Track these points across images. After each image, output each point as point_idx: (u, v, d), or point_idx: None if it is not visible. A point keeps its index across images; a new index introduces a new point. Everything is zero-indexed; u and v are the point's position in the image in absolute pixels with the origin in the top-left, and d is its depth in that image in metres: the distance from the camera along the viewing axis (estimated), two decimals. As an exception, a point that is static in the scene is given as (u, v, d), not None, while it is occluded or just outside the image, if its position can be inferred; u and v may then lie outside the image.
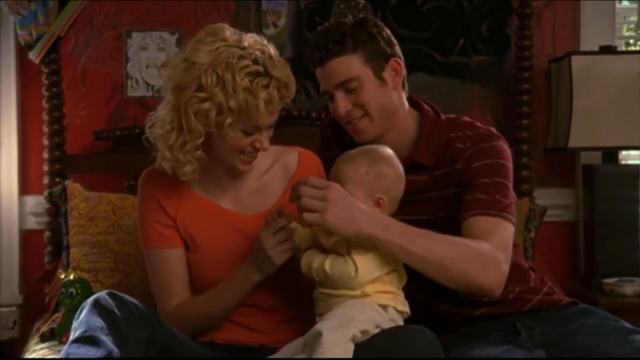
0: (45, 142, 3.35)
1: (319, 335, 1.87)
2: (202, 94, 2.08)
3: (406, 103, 2.38)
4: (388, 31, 2.36)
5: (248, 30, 3.48)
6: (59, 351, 2.45)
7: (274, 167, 2.30)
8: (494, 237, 2.13)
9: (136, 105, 3.54)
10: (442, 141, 2.32)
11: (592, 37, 3.58)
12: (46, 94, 3.34)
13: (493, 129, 2.35)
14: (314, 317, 2.22)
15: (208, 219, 2.24)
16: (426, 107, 2.40)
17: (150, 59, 3.55)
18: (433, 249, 2.04)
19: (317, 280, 2.07)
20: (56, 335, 2.56)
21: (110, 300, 1.93)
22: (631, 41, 3.81)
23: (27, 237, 3.51)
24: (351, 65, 2.25)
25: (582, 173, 3.46)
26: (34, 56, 3.31)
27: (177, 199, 2.24)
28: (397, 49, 2.35)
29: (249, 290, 2.16)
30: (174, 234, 2.24)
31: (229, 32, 2.15)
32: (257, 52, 2.10)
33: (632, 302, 3.10)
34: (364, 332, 1.92)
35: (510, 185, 2.28)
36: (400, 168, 2.14)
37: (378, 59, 2.27)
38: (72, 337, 1.88)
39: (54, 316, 2.63)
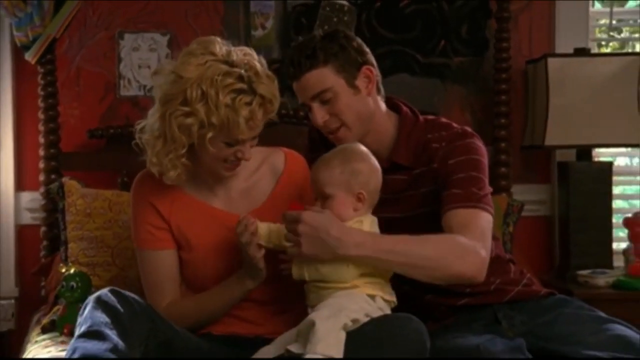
0: (41, 140, 3.40)
1: (312, 324, 1.95)
2: (186, 108, 2.14)
3: (383, 106, 2.45)
4: (359, 40, 2.44)
5: (237, 32, 3.63)
6: (61, 342, 2.53)
7: (262, 168, 2.36)
8: (471, 227, 2.21)
9: (129, 104, 3.59)
10: (421, 142, 2.40)
11: (567, 39, 3.66)
12: (42, 93, 3.39)
13: (467, 128, 2.43)
14: (305, 308, 2.30)
15: (200, 220, 2.30)
16: (405, 109, 2.47)
17: (142, 60, 3.60)
18: (408, 253, 2.12)
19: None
20: (57, 327, 2.62)
21: (112, 297, 1.99)
22: (603, 43, 3.90)
23: (22, 232, 3.55)
24: (324, 77, 2.33)
25: (557, 170, 3.54)
26: (30, 57, 3.36)
27: (170, 202, 2.30)
28: (369, 56, 2.43)
29: (240, 297, 2.24)
30: (166, 235, 2.30)
31: (219, 45, 2.20)
32: (243, 69, 2.15)
33: (604, 292, 3.19)
34: (354, 321, 2.00)
35: (485, 178, 2.35)
36: (374, 161, 2.22)
37: (350, 69, 2.35)
38: (78, 332, 1.94)
39: (55, 309, 2.68)
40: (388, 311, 2.12)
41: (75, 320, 2.49)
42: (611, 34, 3.88)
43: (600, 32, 3.85)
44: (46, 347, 2.51)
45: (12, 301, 3.13)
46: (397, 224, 2.24)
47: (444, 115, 3.43)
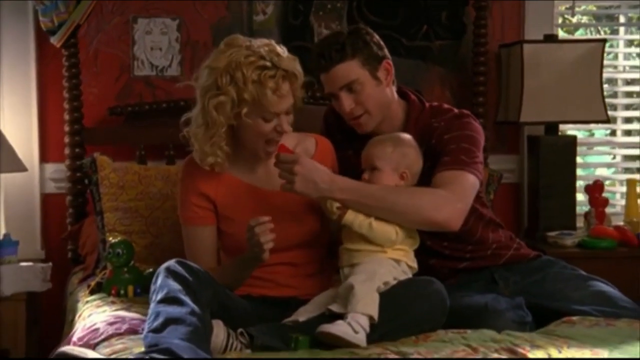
0: (66, 116, 3.52)
1: (351, 287, 2.15)
2: (218, 92, 2.32)
3: (396, 95, 2.63)
4: (377, 37, 2.60)
5: (240, 17, 3.78)
6: (111, 302, 2.69)
7: (296, 150, 2.51)
8: (454, 184, 2.39)
9: (142, 83, 3.72)
10: (426, 126, 2.57)
11: (535, 25, 3.89)
12: (66, 74, 3.51)
13: (465, 111, 2.61)
14: (331, 273, 2.51)
15: (243, 197, 2.46)
16: (413, 97, 2.65)
17: (154, 42, 3.73)
18: (386, 199, 2.31)
19: (350, 233, 2.33)
20: (104, 289, 2.78)
21: (179, 267, 2.15)
22: (571, 29, 4.13)
23: (46, 200, 3.68)
24: (351, 69, 2.50)
25: (527, 143, 3.77)
26: (55, 41, 3.46)
27: (215, 183, 2.45)
28: (386, 51, 2.60)
29: (248, 275, 2.40)
30: (208, 214, 2.46)
31: (241, 39, 2.38)
32: (263, 50, 2.32)
33: (571, 251, 3.44)
34: (385, 284, 2.21)
35: (478, 152, 2.53)
36: (419, 150, 2.43)
37: (373, 62, 2.53)
38: (155, 298, 2.09)
39: (101, 273, 2.83)
40: (410, 275, 2.33)
41: (121, 283, 2.72)
42: (574, 20, 4.10)
43: (564, 19, 4.07)
44: (99, 306, 2.65)
45: (50, 264, 3.25)
46: None
47: (426, 92, 3.67)
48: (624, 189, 3.97)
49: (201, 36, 3.75)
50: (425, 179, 2.49)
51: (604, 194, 3.70)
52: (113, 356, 2.06)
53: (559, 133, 3.75)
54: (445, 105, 2.68)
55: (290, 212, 2.43)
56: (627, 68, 4.07)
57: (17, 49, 3.61)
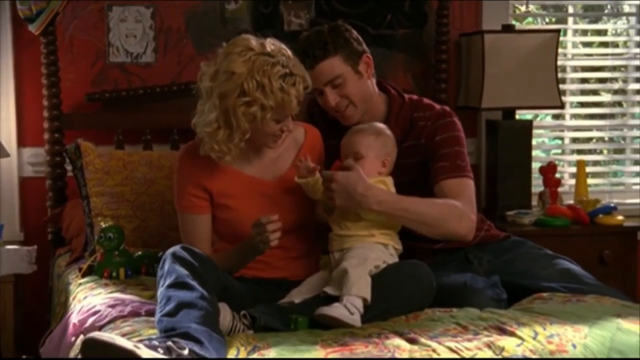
0: (45, 103, 3.52)
1: (346, 272, 2.24)
2: (246, 98, 2.34)
3: (376, 88, 2.71)
4: (355, 32, 2.67)
5: (213, 6, 3.80)
6: (104, 284, 2.73)
7: (287, 140, 2.57)
8: (463, 195, 2.53)
9: (117, 69, 3.73)
10: (408, 119, 2.66)
11: (492, 15, 4.00)
12: (44, 61, 3.51)
13: (447, 108, 2.71)
14: (318, 256, 2.60)
15: (238, 186, 2.51)
16: (392, 90, 2.73)
17: (129, 30, 3.74)
18: (418, 212, 2.43)
19: (339, 220, 2.42)
20: (96, 271, 2.82)
21: (184, 253, 2.19)
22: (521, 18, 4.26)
23: (24, 184, 3.69)
24: (334, 65, 2.58)
25: (485, 126, 3.90)
26: (34, 29, 3.46)
27: (212, 172, 2.49)
28: (365, 45, 2.68)
29: (256, 257, 2.46)
30: (204, 203, 2.50)
31: (254, 41, 2.41)
32: (282, 57, 2.37)
33: (528, 229, 3.58)
34: (376, 267, 2.31)
35: (465, 150, 2.67)
36: (394, 140, 2.52)
37: (354, 57, 2.60)
38: (164, 283, 2.13)
39: (93, 256, 2.86)
40: (397, 258, 2.43)
41: (112, 266, 2.77)
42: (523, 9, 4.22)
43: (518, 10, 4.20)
44: (92, 288, 2.68)
45: (35, 247, 3.27)
46: (405, 186, 2.50)
47: (390, 78, 3.76)
48: (572, 169, 4.13)
49: (175, 23, 3.77)
50: (409, 175, 2.59)
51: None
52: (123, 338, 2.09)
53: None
54: (425, 100, 2.75)
55: (282, 200, 2.50)
56: (573, 56, 4.21)
57: (-7, 36, 3.59)
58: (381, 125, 2.54)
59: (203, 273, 2.16)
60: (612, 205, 3.72)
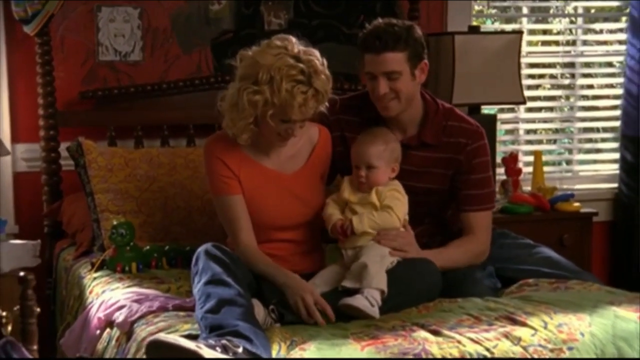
0: (40, 101, 3.49)
1: (365, 266, 2.32)
2: (255, 87, 2.40)
3: (419, 93, 2.72)
4: (423, 39, 2.68)
5: (197, 6, 3.81)
6: (119, 278, 2.76)
7: (303, 138, 2.62)
8: (486, 229, 2.68)
9: (106, 68, 3.72)
10: (441, 126, 2.68)
11: (455, 16, 4.12)
12: (39, 61, 3.47)
13: (480, 127, 2.73)
14: (324, 251, 2.69)
15: (258, 177, 2.55)
16: (428, 97, 2.75)
17: (117, 29, 3.73)
18: (453, 261, 2.58)
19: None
20: (109, 266, 2.84)
21: (216, 250, 2.24)
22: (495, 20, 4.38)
23: (19, 178, 3.66)
24: (398, 60, 2.56)
25: (452, 121, 4.00)
26: (29, 30, 3.42)
27: (237, 160, 2.53)
28: (426, 53, 2.69)
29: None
30: (236, 183, 2.52)
31: (294, 44, 2.45)
32: (306, 66, 2.40)
33: (495, 217, 3.52)
34: (391, 263, 2.40)
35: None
36: (398, 142, 2.60)
37: (415, 60, 2.61)
38: (200, 280, 2.17)
39: (106, 252, 2.88)
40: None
41: (125, 260, 2.80)
42: (493, 11, 4.34)
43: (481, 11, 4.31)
44: (108, 282, 2.71)
45: (39, 241, 3.26)
46: (419, 192, 2.60)
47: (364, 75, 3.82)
48: (527, 159, 4.29)
49: (161, 23, 3.77)
50: (440, 183, 2.67)
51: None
52: (163, 333, 2.13)
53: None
54: (456, 110, 2.78)
55: (298, 193, 2.55)
56: (527, 54, 4.35)
57: (-14, 36, 3.54)
58: (387, 132, 2.60)
59: (235, 270, 2.21)
60: (570, 193, 3.88)
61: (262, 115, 2.44)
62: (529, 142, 4.44)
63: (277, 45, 2.43)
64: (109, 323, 2.45)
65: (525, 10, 4.38)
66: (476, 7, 4.27)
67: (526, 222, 3.69)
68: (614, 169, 4.43)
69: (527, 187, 4.07)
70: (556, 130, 4.48)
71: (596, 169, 4.49)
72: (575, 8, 4.45)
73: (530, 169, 4.15)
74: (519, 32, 3.90)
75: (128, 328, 2.31)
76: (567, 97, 4.47)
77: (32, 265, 3.19)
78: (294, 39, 2.48)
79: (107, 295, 2.58)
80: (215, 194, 2.57)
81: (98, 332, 2.49)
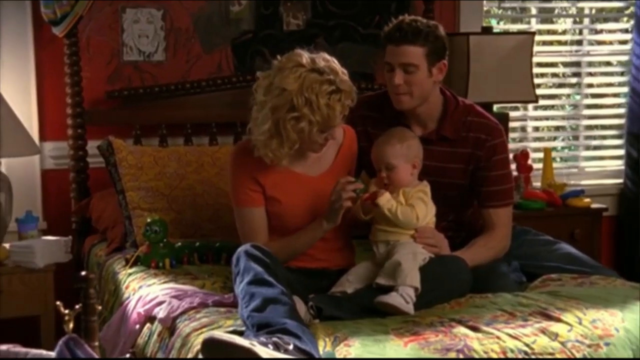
0: (68, 100, 3.49)
1: (399, 264, 2.33)
2: (295, 114, 2.39)
3: (437, 90, 2.72)
4: (446, 40, 2.69)
5: (218, 8, 3.81)
6: (153, 274, 2.76)
7: (327, 141, 2.64)
8: (506, 224, 2.68)
9: (130, 67, 3.71)
10: (461, 121, 2.68)
11: (468, 16, 4.13)
12: (67, 61, 3.47)
13: (498, 124, 2.74)
14: (353, 247, 2.69)
15: (286, 182, 2.55)
16: (448, 93, 2.75)
17: (141, 30, 3.72)
18: (480, 257, 2.58)
19: (383, 218, 2.47)
20: (143, 262, 2.85)
21: (256, 251, 2.24)
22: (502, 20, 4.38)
23: (46, 175, 3.65)
24: (416, 54, 2.57)
25: (465, 118, 4.01)
26: (58, 31, 3.41)
27: (264, 168, 2.53)
28: (447, 55, 2.70)
29: (320, 236, 2.51)
30: (259, 196, 2.54)
31: (303, 57, 2.44)
32: (331, 74, 2.41)
33: None
34: (424, 260, 2.41)
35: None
36: (417, 138, 2.60)
37: (434, 57, 2.61)
38: (243, 279, 2.18)
39: (140, 248, 2.88)
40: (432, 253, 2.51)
41: (159, 256, 2.81)
42: (500, 12, 4.35)
43: (488, 11, 4.32)
44: (144, 278, 2.72)
45: (70, 237, 3.26)
46: (441, 187, 2.60)
47: (379, 74, 3.84)
48: (534, 155, 4.30)
49: (183, 24, 3.77)
50: (460, 178, 2.67)
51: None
52: (205, 329, 2.15)
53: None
54: (477, 106, 2.79)
55: (325, 194, 2.54)
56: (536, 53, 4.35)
57: (16, 37, 3.53)
58: (403, 129, 2.60)
59: (275, 269, 2.21)
60: (580, 189, 3.90)
61: (308, 135, 2.44)
62: (537, 139, 4.45)
63: (292, 66, 2.41)
64: (149, 318, 2.46)
65: (533, 11, 4.39)
66: (484, 8, 4.27)
67: (539, 218, 3.71)
68: (619, 165, 4.45)
69: (536, 184, 4.09)
70: (557, 128, 4.49)
71: (602, 165, 4.50)
72: (581, 9, 4.45)
73: (537, 165, 4.17)
74: (532, 33, 3.91)
75: (170, 323, 2.31)
76: (569, 96, 4.48)
77: (64, 260, 3.19)
78: (300, 51, 2.48)
79: (145, 291, 2.59)
80: (237, 204, 2.57)
81: (137, 326, 2.49)
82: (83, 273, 1.78)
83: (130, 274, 2.79)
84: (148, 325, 2.45)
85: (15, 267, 3.05)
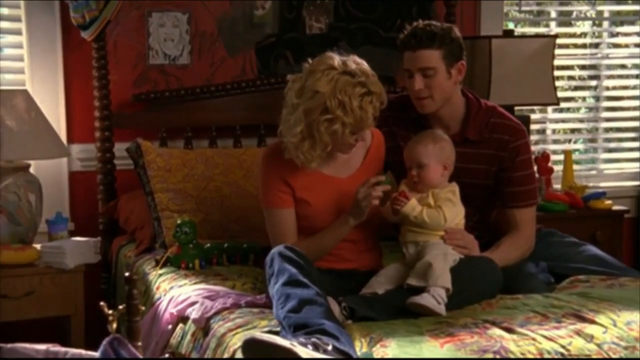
0: (96, 103, 3.49)
1: (430, 265, 2.32)
2: (328, 116, 2.38)
3: (459, 91, 2.72)
4: (462, 41, 2.69)
5: (242, 11, 3.81)
6: (184, 275, 2.76)
7: (357, 142, 2.63)
8: (531, 224, 2.68)
9: (156, 71, 3.71)
10: (485, 123, 2.68)
11: (488, 19, 4.11)
12: (95, 65, 3.47)
13: (521, 125, 2.73)
14: (381, 248, 2.67)
15: (316, 183, 2.54)
16: (470, 95, 2.75)
17: (167, 34, 3.72)
18: (507, 257, 2.58)
19: (410, 221, 2.46)
20: (173, 263, 2.84)
21: (290, 252, 2.23)
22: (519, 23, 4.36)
23: (74, 177, 3.65)
24: (433, 57, 2.58)
25: (486, 121, 4.00)
26: (87, 35, 3.41)
27: (293, 170, 2.51)
28: (464, 54, 2.69)
29: (344, 233, 2.51)
30: (288, 198, 2.53)
31: (336, 60, 2.43)
32: (362, 77, 2.40)
33: None
34: (454, 261, 2.39)
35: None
36: (450, 141, 2.58)
37: (451, 59, 2.62)
38: (278, 281, 2.17)
39: (170, 249, 2.88)
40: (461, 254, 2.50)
41: (188, 257, 2.80)
42: (520, 15, 4.33)
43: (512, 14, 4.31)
44: (175, 279, 2.71)
45: (99, 238, 3.27)
46: (465, 188, 2.57)
47: (400, 77, 3.82)
48: (553, 157, 4.27)
49: (208, 28, 3.77)
50: (484, 179, 2.67)
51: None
52: (240, 330, 2.14)
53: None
54: (499, 108, 2.78)
55: (354, 195, 2.54)
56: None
57: (45, 41, 3.54)
58: (437, 131, 2.59)
59: (308, 270, 2.20)
60: (602, 191, 3.88)
61: (341, 137, 2.43)
62: (554, 141, 4.44)
63: (324, 69, 2.40)
64: (182, 318, 2.45)
65: (553, 14, 4.37)
66: (513, 13, 4.26)
67: (560, 220, 3.68)
68: (636, 167, 4.43)
69: (555, 186, 4.06)
70: (572, 131, 4.47)
71: (620, 168, 4.48)
72: (600, 12, 4.43)
73: (556, 167, 4.15)
74: (553, 36, 3.89)
75: (204, 324, 2.31)
76: (584, 99, 4.46)
77: (94, 261, 3.20)
78: (331, 54, 2.47)
79: (176, 292, 2.59)
80: (267, 206, 2.56)
81: (170, 326, 2.49)
82: (127, 274, 1.78)
83: (160, 275, 2.78)
84: (181, 325, 2.45)
85: (46, 268, 3.05)
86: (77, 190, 3.67)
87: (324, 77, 2.39)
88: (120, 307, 1.76)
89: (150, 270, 2.86)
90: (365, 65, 2.47)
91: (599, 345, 1.99)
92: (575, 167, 4.36)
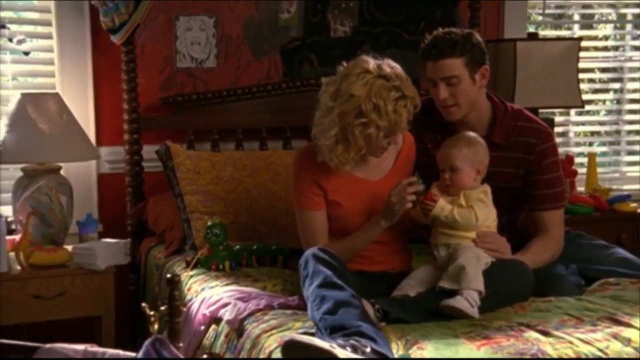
0: (125, 106, 3.49)
1: (463, 268, 2.30)
2: (363, 119, 2.37)
3: (484, 95, 2.71)
4: (483, 45, 2.67)
5: (268, 15, 3.81)
6: (215, 276, 2.75)
7: (390, 145, 2.61)
8: (559, 226, 2.67)
9: (183, 74, 3.72)
10: (511, 126, 2.67)
11: (511, 22, 4.09)
12: (124, 68, 3.47)
13: (548, 127, 2.72)
14: (410, 250, 2.66)
15: (348, 186, 2.54)
16: (496, 99, 2.74)
17: (194, 38, 3.73)
18: (538, 260, 2.56)
19: (442, 222, 2.45)
20: (204, 264, 2.84)
21: (323, 254, 2.22)
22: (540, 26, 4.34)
23: (102, 179, 3.66)
24: (455, 66, 2.57)
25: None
26: (116, 39, 3.42)
27: (326, 173, 2.51)
28: (487, 58, 2.67)
29: (377, 234, 2.50)
30: (320, 200, 2.52)
31: (371, 64, 2.42)
32: (397, 80, 2.39)
33: None
34: (486, 264, 2.37)
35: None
36: (486, 146, 2.56)
37: (474, 65, 2.60)
38: (313, 282, 2.16)
39: (200, 251, 2.87)
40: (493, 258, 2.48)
41: (219, 259, 2.80)
42: (545, 18, 4.31)
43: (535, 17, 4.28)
44: (205, 281, 2.70)
45: (129, 240, 3.27)
46: (493, 190, 2.54)
47: (424, 80, 3.80)
48: (578, 160, 4.25)
49: (234, 31, 3.77)
50: (512, 182, 2.65)
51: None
52: (275, 331, 2.13)
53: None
54: (525, 111, 2.76)
55: (384, 198, 2.51)
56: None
57: (75, 45, 3.55)
58: (472, 135, 2.58)
59: (343, 272, 2.19)
60: (627, 194, 3.85)
61: (375, 140, 2.42)
62: (577, 144, 4.41)
63: (359, 72, 2.39)
64: (215, 320, 2.45)
65: (576, 17, 4.35)
66: (536, 17, 4.24)
67: (585, 222, 3.64)
68: (658, 170, 4.40)
69: (579, 188, 4.03)
70: (592, 133, 4.44)
71: (642, 170, 4.45)
72: (623, 15, 4.40)
73: (579, 170, 4.12)
74: (578, 39, 3.86)
75: (238, 325, 2.30)
76: (604, 101, 4.43)
77: (124, 262, 3.20)
78: (366, 57, 2.45)
79: (208, 293, 2.58)
80: (299, 207, 2.55)
81: (202, 327, 2.48)
82: (169, 275, 1.77)
83: (191, 276, 2.78)
84: (213, 326, 2.45)
85: (77, 269, 3.05)
86: (105, 193, 3.68)
87: (359, 80, 2.38)
88: (162, 308, 1.75)
89: (181, 272, 2.86)
90: (399, 69, 2.45)
91: (636, 349, 1.97)
92: (597, 169, 4.33)
